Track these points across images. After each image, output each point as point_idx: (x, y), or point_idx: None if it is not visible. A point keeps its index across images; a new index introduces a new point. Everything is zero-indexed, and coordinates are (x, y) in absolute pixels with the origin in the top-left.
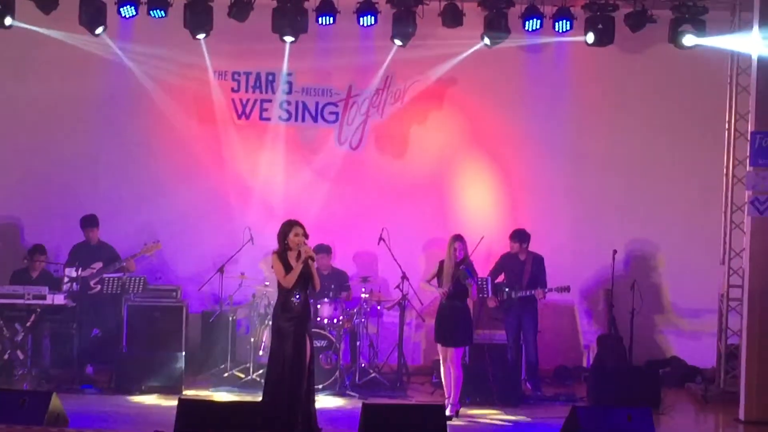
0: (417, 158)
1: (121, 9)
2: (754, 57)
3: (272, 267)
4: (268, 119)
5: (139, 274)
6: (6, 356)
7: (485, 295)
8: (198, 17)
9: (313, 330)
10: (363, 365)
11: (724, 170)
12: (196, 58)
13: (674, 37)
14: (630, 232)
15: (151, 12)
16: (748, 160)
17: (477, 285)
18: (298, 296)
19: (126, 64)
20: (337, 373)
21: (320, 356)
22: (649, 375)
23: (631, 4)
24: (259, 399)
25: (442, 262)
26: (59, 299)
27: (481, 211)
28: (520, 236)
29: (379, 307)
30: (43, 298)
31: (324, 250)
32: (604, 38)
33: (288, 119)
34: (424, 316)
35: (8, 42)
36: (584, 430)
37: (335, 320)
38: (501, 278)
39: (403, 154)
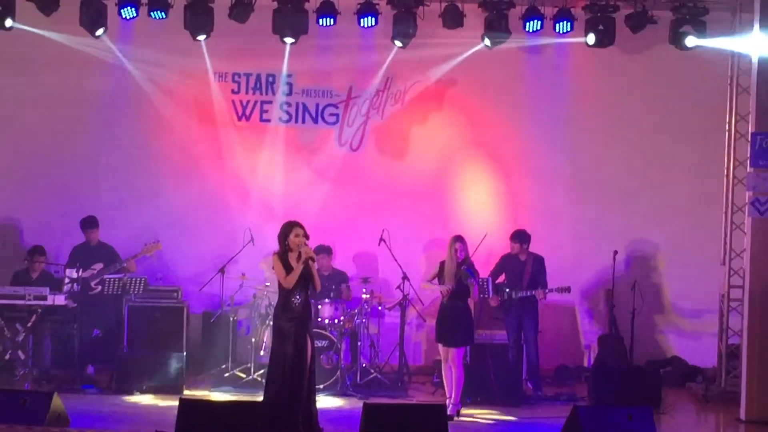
0: (417, 159)
1: (122, 10)
2: (755, 58)
3: (273, 268)
4: (269, 120)
5: (139, 275)
6: (7, 356)
7: (486, 295)
8: (198, 18)
9: (314, 330)
10: (364, 365)
11: (725, 171)
12: (196, 60)
13: (675, 38)
14: (630, 232)
15: (151, 13)
16: (748, 161)
17: (479, 285)
18: (298, 297)
19: (126, 66)
20: (338, 373)
21: (321, 356)
22: (649, 375)
23: (632, 5)
24: (260, 399)
25: (442, 263)
26: (60, 300)
27: (481, 211)
28: (520, 237)
29: (380, 308)
30: (44, 298)
31: (324, 250)
32: (605, 39)
33: (288, 120)
34: (425, 316)
35: (9, 43)
36: (585, 430)
37: (336, 320)
38: (501, 279)
39: (403, 155)
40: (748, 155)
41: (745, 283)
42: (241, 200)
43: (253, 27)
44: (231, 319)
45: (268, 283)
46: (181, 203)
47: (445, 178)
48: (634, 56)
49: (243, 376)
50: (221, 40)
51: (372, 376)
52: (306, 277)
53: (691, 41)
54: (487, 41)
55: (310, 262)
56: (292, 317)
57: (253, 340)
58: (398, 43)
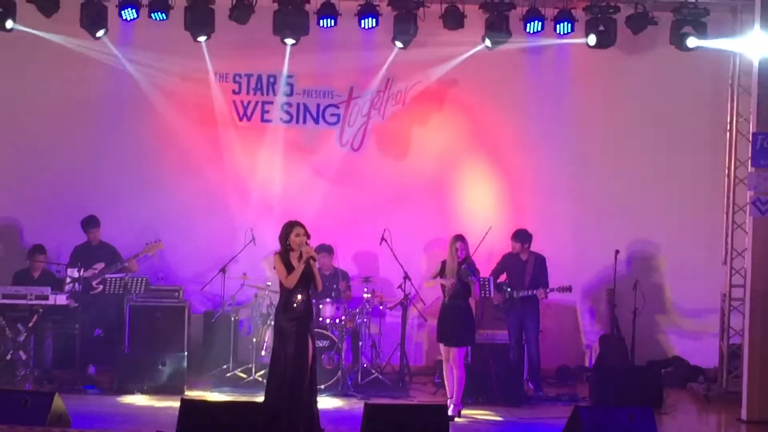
0: (418, 159)
1: (122, 12)
2: (756, 59)
3: (274, 268)
4: (270, 121)
5: (141, 275)
6: (8, 356)
7: (487, 295)
8: (199, 19)
9: (315, 330)
10: (365, 365)
11: (726, 171)
12: (197, 61)
13: (676, 39)
14: (632, 232)
15: (152, 14)
16: (749, 161)
17: (479, 283)
18: (300, 297)
19: (126, 67)
20: (340, 373)
21: (322, 356)
22: (651, 375)
23: (632, 6)
24: (261, 399)
25: (444, 262)
26: (61, 300)
27: (482, 211)
28: (521, 236)
29: (381, 307)
30: (46, 298)
31: (325, 250)
32: (606, 40)
33: (289, 121)
34: (427, 316)
35: (9, 45)
36: (586, 430)
37: (337, 320)
38: (503, 278)
39: (404, 155)
40: (749, 155)
41: (746, 283)
42: (243, 200)
43: (254, 28)
44: (232, 319)
45: (270, 283)
46: (182, 203)
47: (446, 177)
48: (635, 57)
49: (244, 376)
50: (222, 41)
51: (373, 376)
52: (307, 277)
53: (692, 42)
54: (487, 42)
55: (312, 261)
56: (294, 317)
57: (255, 340)
58: (399, 44)
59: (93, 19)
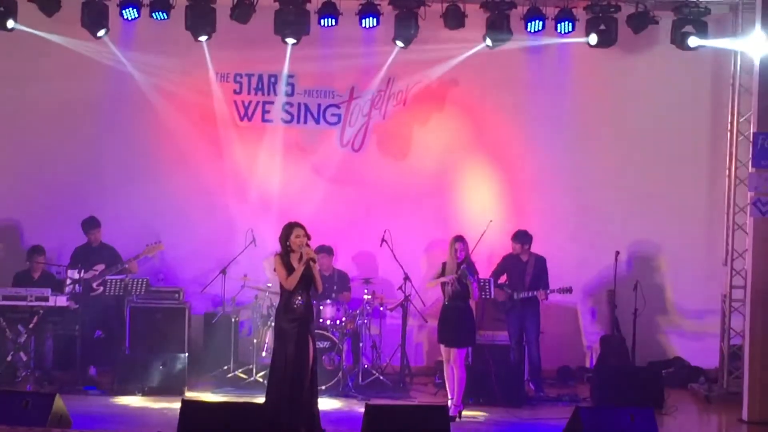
0: (419, 159)
1: (124, 11)
2: (757, 58)
3: (274, 269)
4: (270, 121)
5: (141, 276)
6: (9, 358)
7: (487, 296)
8: (200, 19)
9: (315, 331)
10: (366, 366)
11: (726, 171)
12: (197, 61)
13: (677, 39)
14: (632, 233)
15: (153, 14)
16: (750, 162)
17: (478, 284)
18: (300, 298)
19: (127, 66)
20: (340, 374)
21: (323, 357)
22: (651, 375)
23: (633, 5)
24: (262, 400)
25: (444, 264)
26: (62, 301)
27: (483, 212)
28: (522, 237)
29: (381, 309)
30: (46, 299)
31: (325, 250)
32: (607, 40)
33: (290, 121)
34: (427, 317)
35: (10, 45)
36: (587, 431)
37: (338, 321)
38: (503, 279)
39: (405, 155)
40: (750, 155)
41: (747, 284)
42: (243, 201)
43: (255, 28)
44: (233, 320)
45: (270, 284)
46: (183, 204)
47: (447, 178)
48: (636, 57)
49: (245, 377)
50: (223, 40)
51: (374, 377)
52: (307, 278)
53: (692, 41)
54: (488, 41)
55: (312, 263)
56: (294, 318)
57: (255, 341)
58: (400, 44)
59: (94, 18)
